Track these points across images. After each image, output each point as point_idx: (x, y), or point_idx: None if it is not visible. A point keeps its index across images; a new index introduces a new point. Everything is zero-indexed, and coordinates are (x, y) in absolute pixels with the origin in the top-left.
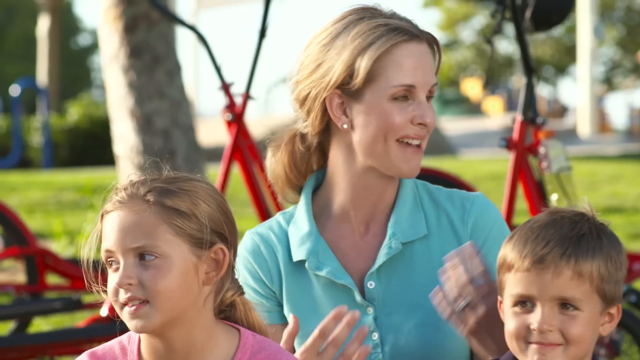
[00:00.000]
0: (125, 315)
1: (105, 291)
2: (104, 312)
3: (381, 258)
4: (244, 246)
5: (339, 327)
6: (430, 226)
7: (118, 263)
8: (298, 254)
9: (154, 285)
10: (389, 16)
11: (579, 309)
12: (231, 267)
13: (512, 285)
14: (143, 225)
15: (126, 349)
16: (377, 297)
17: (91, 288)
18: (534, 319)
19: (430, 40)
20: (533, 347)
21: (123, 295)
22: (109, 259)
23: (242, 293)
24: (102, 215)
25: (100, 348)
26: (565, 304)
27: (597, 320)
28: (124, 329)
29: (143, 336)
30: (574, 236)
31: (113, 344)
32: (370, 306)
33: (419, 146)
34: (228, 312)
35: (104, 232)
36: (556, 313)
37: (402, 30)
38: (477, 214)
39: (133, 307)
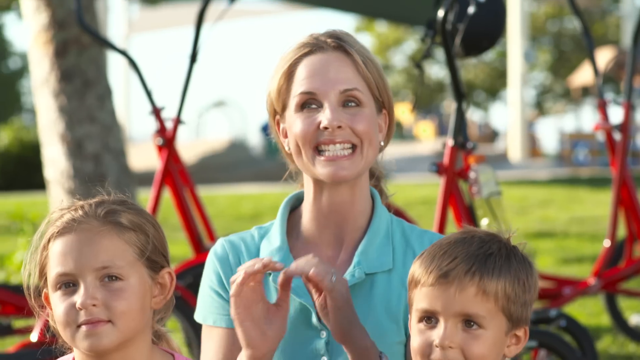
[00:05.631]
0: (80, 334)
1: (40, 313)
2: (34, 337)
3: None
4: (214, 252)
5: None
6: (396, 261)
7: (75, 285)
8: None
9: (118, 306)
10: (315, 36)
11: (482, 327)
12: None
13: (418, 300)
14: (107, 245)
15: None
16: None
17: (32, 312)
18: (437, 334)
19: (341, 48)
20: None
21: (83, 317)
22: (60, 282)
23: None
24: (50, 239)
25: None
26: (469, 322)
27: (502, 341)
28: (54, 354)
29: (79, 359)
30: (481, 254)
31: None
32: (324, 330)
33: (340, 155)
34: (155, 339)
35: (54, 255)
36: (459, 330)
37: (306, 45)
38: None
39: (91, 325)
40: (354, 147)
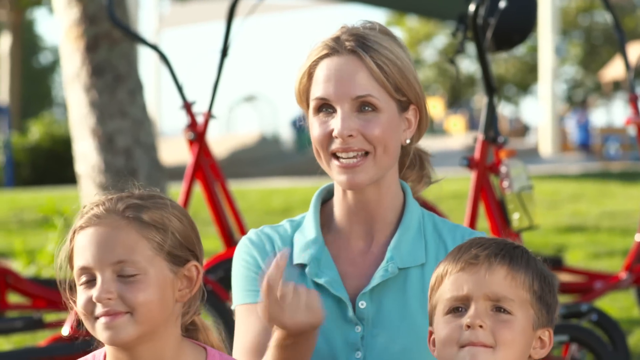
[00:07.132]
0: (99, 326)
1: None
2: (65, 331)
3: (376, 279)
4: (249, 239)
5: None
6: (429, 256)
7: (93, 278)
8: (300, 258)
9: (135, 298)
10: (338, 33)
11: (512, 313)
12: (201, 286)
13: (445, 292)
14: (123, 240)
15: None
16: (366, 317)
17: (64, 306)
18: (468, 315)
19: (356, 52)
20: (464, 350)
21: (100, 309)
22: (81, 275)
23: (200, 313)
24: (74, 233)
25: None
26: (498, 308)
27: (530, 334)
28: (85, 348)
29: (109, 353)
30: (509, 245)
31: None
32: (359, 325)
33: (353, 163)
34: (191, 332)
35: (77, 248)
36: (489, 312)
37: (325, 47)
38: None
39: (109, 317)
40: (367, 153)
